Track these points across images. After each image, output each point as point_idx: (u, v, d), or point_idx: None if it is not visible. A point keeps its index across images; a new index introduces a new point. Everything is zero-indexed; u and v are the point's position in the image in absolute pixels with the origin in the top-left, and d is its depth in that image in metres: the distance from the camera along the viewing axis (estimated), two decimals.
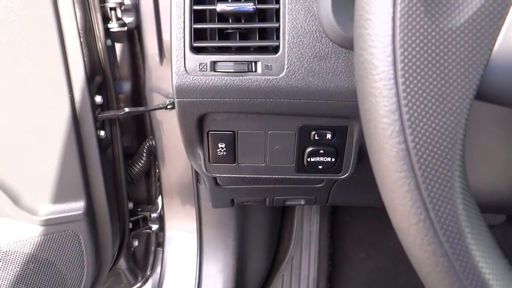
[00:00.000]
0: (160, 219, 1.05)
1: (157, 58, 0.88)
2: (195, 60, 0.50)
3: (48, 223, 0.81)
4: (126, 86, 0.95)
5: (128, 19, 0.86)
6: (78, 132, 0.78)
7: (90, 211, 0.84)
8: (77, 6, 0.73)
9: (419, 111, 0.27)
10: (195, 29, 0.51)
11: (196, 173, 0.91)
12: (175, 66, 0.51)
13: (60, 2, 0.69)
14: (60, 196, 0.80)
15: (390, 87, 0.27)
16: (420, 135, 0.27)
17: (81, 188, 0.82)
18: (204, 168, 0.59)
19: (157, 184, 1.06)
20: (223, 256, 0.98)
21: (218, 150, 0.56)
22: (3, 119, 0.72)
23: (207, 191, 0.78)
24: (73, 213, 0.82)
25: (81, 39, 0.74)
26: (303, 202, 0.77)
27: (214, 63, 0.50)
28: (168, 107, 0.87)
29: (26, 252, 0.81)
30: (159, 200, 1.05)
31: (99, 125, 0.83)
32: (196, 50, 0.51)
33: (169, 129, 0.96)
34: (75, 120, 0.77)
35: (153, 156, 1.02)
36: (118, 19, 0.85)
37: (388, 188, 0.30)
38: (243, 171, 0.59)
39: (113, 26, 0.85)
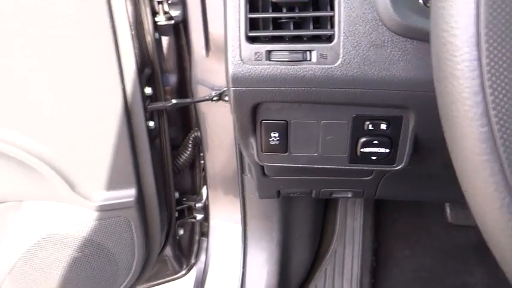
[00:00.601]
0: (205, 209, 1.07)
1: (203, 51, 0.90)
2: (250, 49, 0.51)
3: (102, 209, 0.84)
4: (172, 79, 0.98)
5: (175, 12, 0.88)
6: (129, 122, 0.81)
7: (141, 199, 0.87)
8: (128, 0, 0.75)
9: (505, 92, 0.26)
10: (250, 18, 0.51)
11: (241, 164, 0.92)
12: (231, 55, 0.51)
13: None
14: (113, 183, 0.84)
15: (473, 68, 0.27)
16: (506, 117, 0.26)
17: (132, 176, 0.85)
18: (256, 157, 0.60)
19: (202, 174, 1.08)
20: (267, 247, 0.99)
21: (271, 139, 0.57)
22: (60, 110, 0.75)
23: (254, 181, 0.79)
24: (125, 200, 0.85)
25: (132, 33, 0.76)
26: (350, 195, 0.77)
27: (269, 52, 0.51)
28: (214, 98, 0.88)
29: (82, 236, 0.85)
30: (204, 190, 1.07)
31: (148, 115, 0.85)
32: (251, 40, 0.52)
33: (214, 121, 0.97)
34: (127, 111, 0.79)
35: (198, 148, 1.04)
36: (165, 13, 0.87)
37: (469, 171, 0.29)
38: (295, 160, 0.59)
39: (160, 19, 0.87)
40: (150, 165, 0.87)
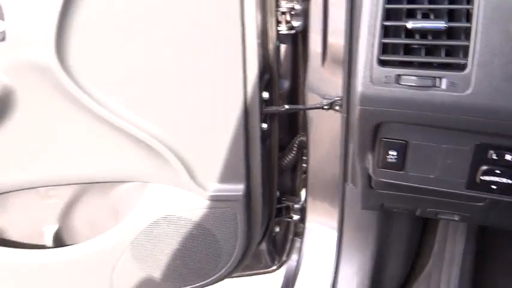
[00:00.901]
0: (302, 211, 1.12)
1: (319, 60, 0.94)
2: (380, 72, 0.54)
3: (213, 199, 0.93)
4: (286, 84, 1.04)
5: (296, 23, 0.93)
6: (246, 123, 0.88)
7: (248, 194, 0.94)
8: (258, 11, 0.81)
9: None
10: (383, 43, 0.54)
11: (345, 172, 0.95)
12: (362, 76, 0.55)
13: (246, 7, 0.78)
14: (225, 177, 0.92)
15: None
16: None
17: (242, 172, 0.92)
18: (371, 171, 0.63)
19: (303, 177, 1.13)
20: (360, 259, 1.01)
21: (389, 156, 0.60)
22: (187, 105, 0.84)
23: (358, 191, 0.82)
24: (234, 194, 0.93)
25: (258, 41, 0.83)
26: (456, 218, 0.76)
27: (398, 76, 0.54)
28: (325, 107, 0.92)
29: (194, 220, 0.95)
30: (303, 192, 1.12)
31: (262, 118, 0.92)
32: (382, 63, 0.55)
33: (321, 128, 1.01)
34: (245, 112, 0.86)
35: (302, 151, 1.09)
36: (287, 22, 0.93)
37: None
38: (410, 180, 0.61)
39: (282, 28, 0.93)
40: (259, 164, 0.93)
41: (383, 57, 0.54)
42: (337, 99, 0.89)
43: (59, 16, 0.70)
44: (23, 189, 0.95)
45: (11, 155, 0.87)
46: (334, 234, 1.03)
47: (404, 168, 0.60)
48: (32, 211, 0.99)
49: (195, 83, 0.81)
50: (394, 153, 0.59)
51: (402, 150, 0.59)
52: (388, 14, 0.54)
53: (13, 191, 0.94)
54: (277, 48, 0.93)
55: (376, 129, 0.58)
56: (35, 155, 0.88)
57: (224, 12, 0.75)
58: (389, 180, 0.63)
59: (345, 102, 0.80)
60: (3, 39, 0.74)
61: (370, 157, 0.62)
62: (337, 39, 0.87)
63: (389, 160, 0.60)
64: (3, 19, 0.73)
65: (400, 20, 0.55)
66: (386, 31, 0.55)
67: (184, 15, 0.74)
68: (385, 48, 0.55)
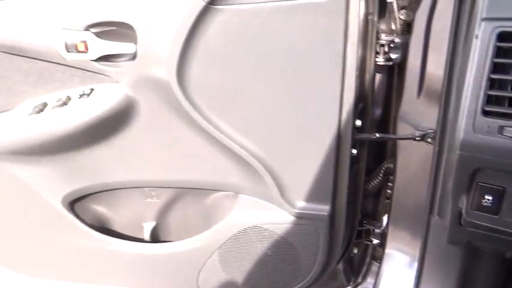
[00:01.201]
0: (382, 236, 1.13)
1: (415, 92, 0.96)
2: (484, 122, 0.56)
3: (299, 216, 0.99)
4: (377, 112, 1.06)
5: (395, 55, 0.96)
6: (337, 148, 0.92)
7: (332, 214, 0.98)
8: (359, 45, 0.85)
9: None
10: (488, 94, 0.56)
11: (431, 204, 0.95)
12: (465, 123, 0.57)
13: (348, 42, 0.82)
14: (313, 197, 0.97)
15: None
16: None
17: (329, 194, 0.96)
18: (464, 212, 0.64)
19: (385, 203, 1.14)
20: None
21: (484, 200, 0.61)
22: (284, 126, 0.90)
23: (445, 225, 0.82)
24: (319, 213, 0.98)
25: (356, 73, 0.86)
26: None
27: (502, 127, 0.55)
28: (417, 138, 0.94)
29: (279, 233, 1.01)
30: (385, 217, 1.13)
31: (353, 144, 0.95)
32: (486, 113, 0.57)
33: (410, 158, 1.02)
34: (338, 138, 0.91)
35: (387, 177, 1.10)
36: (385, 53, 0.96)
37: None
38: (505, 225, 0.61)
39: (380, 60, 0.96)
40: (346, 188, 0.97)
41: (487, 108, 0.56)
42: (430, 132, 0.90)
43: (183, 43, 0.80)
44: (132, 187, 1.08)
45: (127, 157, 1.00)
46: (414, 264, 1.03)
47: (500, 213, 0.61)
48: (136, 207, 1.12)
49: (295, 108, 0.87)
50: (490, 197, 0.60)
51: (499, 195, 0.60)
52: (495, 67, 0.56)
53: (123, 188, 1.07)
54: (373, 79, 0.96)
55: (474, 173, 0.60)
56: (146, 159, 1.00)
57: (328, 46, 0.80)
58: (482, 223, 0.64)
59: (438, 137, 0.81)
60: (133, 58, 0.87)
61: (464, 198, 0.63)
62: (435, 74, 0.89)
63: (485, 204, 0.61)
64: (136, 43, 0.85)
65: (506, 73, 0.56)
66: (492, 83, 0.57)
67: (292, 47, 0.81)
68: (489, 99, 0.57)
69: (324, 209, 0.97)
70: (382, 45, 0.95)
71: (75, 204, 1.08)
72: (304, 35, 0.79)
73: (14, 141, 0.94)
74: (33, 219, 1.10)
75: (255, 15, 0.77)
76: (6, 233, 1.15)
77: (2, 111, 0.99)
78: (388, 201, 1.12)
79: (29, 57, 0.89)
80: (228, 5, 0.76)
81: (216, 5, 0.76)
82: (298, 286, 1.10)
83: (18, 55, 0.90)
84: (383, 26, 0.94)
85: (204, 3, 0.75)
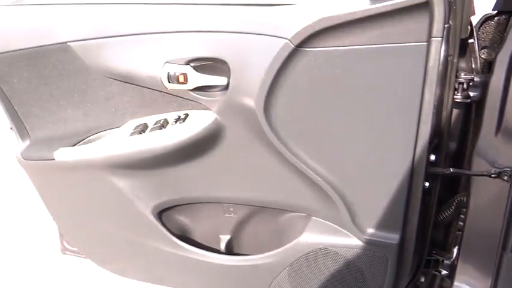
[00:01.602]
0: (451, 267, 1.14)
1: (493, 129, 0.97)
2: None
3: (369, 242, 1.03)
4: (453, 147, 1.08)
5: (474, 93, 0.98)
6: (410, 180, 0.96)
7: (402, 243, 1.02)
8: (438, 84, 0.88)
9: None
10: None
11: (505, 241, 0.95)
12: None
13: (427, 82, 0.86)
14: (383, 225, 1.01)
15: None
16: None
17: (400, 223, 1.00)
18: None
19: (456, 234, 1.15)
20: None
21: None
22: (359, 157, 0.95)
23: None
24: (389, 241, 1.02)
25: (433, 111, 0.90)
26: None
27: None
28: (493, 175, 0.95)
29: (347, 257, 1.06)
30: (455, 249, 1.14)
31: (426, 177, 0.98)
32: None
33: (484, 193, 1.03)
34: (412, 170, 0.95)
35: (459, 210, 1.11)
36: (463, 90, 0.98)
37: None
38: None
39: (458, 97, 0.98)
40: (417, 218, 1.00)
41: None
42: (507, 170, 0.91)
43: (272, 80, 0.89)
44: (213, 202, 1.18)
45: (211, 175, 1.10)
46: None
47: None
48: (214, 220, 1.22)
49: (371, 141, 0.93)
50: None
51: None
52: None
53: (205, 202, 1.18)
54: (450, 115, 0.99)
55: None
56: (228, 177, 1.10)
57: (407, 85, 0.85)
58: None
59: None
60: (225, 89, 0.97)
61: None
62: None
63: None
64: (228, 77, 0.95)
65: None
66: None
67: (372, 86, 0.87)
68: None
69: (394, 237, 1.01)
70: (461, 83, 0.97)
71: (162, 213, 1.20)
72: (385, 76, 0.84)
73: (117, 156, 1.08)
74: (124, 224, 1.24)
75: (339, 57, 0.84)
76: (99, 232, 1.31)
77: (108, 128, 1.14)
78: (459, 233, 1.12)
79: (136, 85, 1.03)
80: (315, 47, 0.84)
81: (304, 48, 0.84)
82: None
83: (127, 82, 1.03)
84: (463, 65, 0.97)
85: (293, 46, 0.84)
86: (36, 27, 1.05)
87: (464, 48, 0.95)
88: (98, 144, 1.10)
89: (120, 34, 0.99)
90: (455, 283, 1.10)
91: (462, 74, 0.96)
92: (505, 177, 0.92)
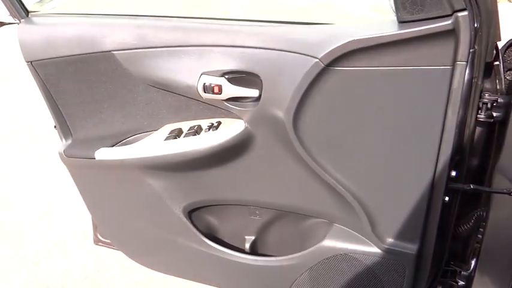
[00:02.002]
0: (468, 279, 1.17)
1: None
2: None
3: (388, 251, 1.08)
4: (474, 163, 1.11)
5: (497, 113, 1.00)
6: (431, 194, 1.00)
7: (420, 253, 1.06)
8: (461, 105, 0.91)
9: None
10: None
11: None
12: None
13: (451, 103, 0.89)
14: (402, 235, 1.06)
15: None
16: None
17: (418, 234, 1.04)
18: None
19: (474, 246, 1.18)
20: None
21: None
22: (379, 167, 1.00)
23: None
24: (407, 251, 1.06)
25: (456, 130, 0.93)
26: None
27: None
28: None
29: (366, 263, 1.11)
30: (473, 261, 1.17)
31: (446, 192, 1.01)
32: None
33: (504, 210, 1.05)
34: (432, 186, 0.98)
35: (479, 224, 1.14)
36: (487, 110, 1.01)
37: None
38: None
39: (482, 116, 1.01)
40: (435, 230, 1.04)
41: None
42: None
43: (301, 95, 0.94)
44: (240, 204, 1.25)
45: (239, 179, 1.17)
46: None
47: None
48: (241, 221, 1.29)
49: (394, 156, 0.97)
50: None
51: None
52: None
53: (234, 204, 1.25)
54: (473, 134, 1.02)
55: None
56: (255, 182, 1.16)
57: (431, 106, 0.89)
58: None
59: None
60: (256, 101, 1.03)
61: None
62: None
63: None
64: (260, 89, 1.01)
65: None
66: None
67: (397, 105, 0.91)
68: None
69: (412, 247, 1.05)
70: (485, 103, 1.00)
71: (192, 213, 1.27)
72: (410, 95, 0.89)
73: (152, 158, 1.16)
74: (156, 221, 1.32)
75: (366, 77, 0.89)
76: (132, 227, 1.39)
77: (145, 131, 1.22)
78: (477, 245, 1.15)
79: (173, 92, 1.10)
80: (344, 67, 0.89)
81: (333, 67, 0.89)
82: None
83: (165, 90, 1.11)
84: (488, 85, 1.00)
85: (323, 65, 0.89)
86: (83, 36, 1.13)
87: (489, 70, 0.98)
88: (135, 146, 1.18)
89: (161, 45, 1.06)
90: None
91: (486, 94, 0.99)
92: None
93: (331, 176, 1.03)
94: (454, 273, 1.21)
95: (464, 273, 1.17)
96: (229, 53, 1.01)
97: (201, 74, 1.04)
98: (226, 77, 1.02)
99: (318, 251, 1.15)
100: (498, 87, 0.99)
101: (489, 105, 1.00)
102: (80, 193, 1.41)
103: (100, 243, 1.60)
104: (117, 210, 1.37)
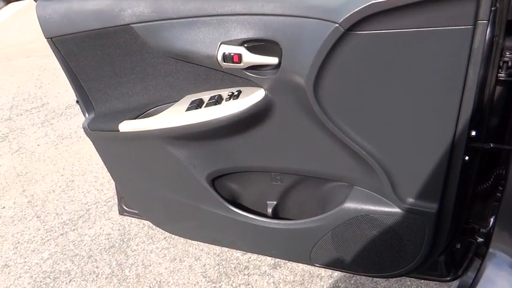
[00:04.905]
0: (487, 235, 1.20)
1: None
2: None
3: (408, 210, 1.11)
4: (495, 123, 1.11)
5: None
6: (451, 154, 1.01)
7: (439, 212, 1.09)
8: (482, 64, 0.90)
9: None
10: None
11: None
12: None
13: (472, 61, 0.89)
14: (422, 195, 1.08)
15: None
16: None
17: (439, 193, 1.07)
18: None
19: (494, 205, 1.20)
20: None
21: None
22: (401, 129, 1.01)
23: None
24: (427, 210, 1.09)
25: (476, 90, 0.93)
26: None
27: None
28: None
29: (387, 223, 1.14)
30: (492, 219, 1.20)
31: (466, 151, 1.03)
32: None
33: None
34: (452, 145, 1.00)
35: (498, 182, 1.16)
36: (507, 69, 1.01)
37: None
38: None
39: (502, 75, 1.01)
40: (455, 189, 1.06)
41: None
42: None
43: (321, 61, 0.95)
44: (261, 171, 1.28)
45: (261, 146, 1.19)
46: None
47: None
48: (263, 187, 1.32)
49: (415, 117, 0.98)
50: None
51: None
52: None
53: (255, 171, 1.28)
54: (493, 93, 1.02)
55: None
56: (276, 149, 1.18)
57: (452, 66, 0.89)
58: None
59: None
60: (276, 68, 1.04)
61: None
62: None
63: None
64: (280, 57, 1.01)
65: None
66: None
67: (418, 67, 0.91)
68: None
69: (432, 206, 1.08)
70: (506, 62, 1.00)
71: (215, 180, 1.31)
72: (431, 57, 0.89)
73: (175, 129, 1.19)
74: (180, 189, 1.37)
75: (387, 40, 0.89)
76: (157, 196, 1.44)
77: (166, 103, 1.24)
78: (496, 203, 1.18)
79: (193, 63, 1.11)
80: (364, 31, 0.89)
81: (353, 31, 0.89)
82: (399, 271, 1.23)
83: (184, 61, 1.12)
84: (509, 43, 0.99)
85: (343, 30, 0.89)
86: (101, 10, 1.14)
87: (510, 28, 0.97)
88: (158, 118, 1.21)
89: (179, 16, 1.07)
90: (490, 250, 1.17)
91: (507, 53, 0.98)
92: None
93: (351, 139, 1.05)
94: (473, 230, 1.24)
95: (483, 230, 1.20)
96: (248, 21, 1.02)
97: (220, 44, 1.05)
98: (246, 45, 1.03)
99: (340, 212, 1.19)
100: None
101: (510, 64, 1.00)
102: (106, 165, 1.45)
103: (125, 213, 1.66)
104: (143, 181, 1.41)
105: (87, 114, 1.36)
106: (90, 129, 1.33)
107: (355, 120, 1.03)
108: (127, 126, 1.24)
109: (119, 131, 1.25)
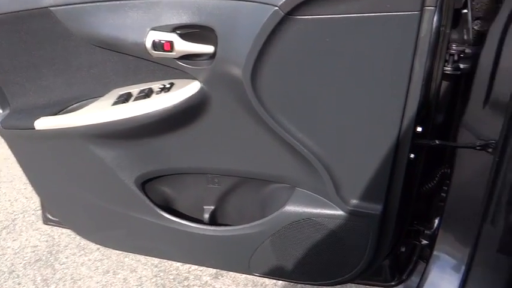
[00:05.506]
0: (431, 237, 1.17)
1: (481, 101, 0.97)
2: None
3: (352, 213, 1.04)
4: (440, 119, 1.08)
5: (464, 65, 0.97)
6: (396, 152, 0.96)
7: (384, 214, 1.04)
8: (428, 56, 0.86)
9: None
10: None
11: (485, 213, 0.97)
12: None
13: (418, 53, 0.85)
14: (366, 196, 1.02)
15: None
16: None
17: (383, 194, 1.01)
18: None
19: (438, 205, 1.17)
20: None
21: None
22: (343, 126, 0.95)
23: (497, 234, 0.85)
24: (371, 212, 1.03)
25: (423, 83, 0.89)
26: None
27: None
28: (477, 148, 0.96)
29: (330, 227, 1.08)
30: (436, 220, 1.17)
31: (412, 148, 0.99)
32: None
33: (468, 166, 1.05)
34: (397, 142, 0.95)
35: (442, 182, 1.13)
36: (454, 62, 0.98)
37: None
38: None
39: (448, 69, 0.98)
40: (400, 189, 1.02)
41: None
42: (492, 142, 0.92)
43: (260, 48, 0.87)
44: (197, 173, 1.17)
45: (195, 145, 1.09)
46: (461, 268, 1.07)
47: None
48: (199, 191, 1.22)
49: (358, 112, 0.92)
50: None
51: None
52: None
53: (190, 173, 1.18)
54: (439, 87, 0.99)
55: None
56: (213, 148, 1.09)
57: (397, 56, 0.84)
58: None
59: (500, 148, 0.84)
60: (211, 58, 0.95)
61: None
62: (504, 86, 0.90)
63: None
64: (215, 45, 0.92)
65: None
66: None
67: (362, 56, 0.86)
68: None
69: (377, 208, 1.02)
70: (452, 55, 0.97)
71: (145, 184, 1.19)
72: (375, 45, 0.83)
73: (99, 126, 1.06)
74: (107, 194, 1.23)
75: (330, 26, 0.82)
76: (81, 203, 1.29)
77: (91, 97, 1.11)
78: (441, 204, 1.15)
79: (120, 52, 1.00)
80: (305, 15, 0.82)
81: (294, 16, 0.82)
82: (343, 278, 1.17)
83: (111, 49, 1.00)
84: (455, 36, 0.96)
85: (283, 14, 0.82)
86: None
87: (457, 19, 0.94)
88: (79, 113, 1.08)
89: None
90: (435, 252, 1.14)
91: (454, 45, 0.95)
92: (490, 150, 0.93)
93: (293, 137, 0.97)
94: (417, 232, 1.20)
95: (428, 232, 1.17)
96: (180, 5, 0.92)
97: (150, 30, 0.94)
98: (178, 32, 0.93)
99: (280, 216, 1.11)
100: (465, 37, 0.96)
101: (456, 57, 0.97)
102: (22, 169, 1.29)
103: (50, 223, 1.50)
104: (64, 186, 1.26)
105: (1, 110, 1.20)
106: (3, 127, 1.17)
107: (296, 115, 0.95)
108: (44, 123, 1.10)
109: (34, 128, 1.10)
